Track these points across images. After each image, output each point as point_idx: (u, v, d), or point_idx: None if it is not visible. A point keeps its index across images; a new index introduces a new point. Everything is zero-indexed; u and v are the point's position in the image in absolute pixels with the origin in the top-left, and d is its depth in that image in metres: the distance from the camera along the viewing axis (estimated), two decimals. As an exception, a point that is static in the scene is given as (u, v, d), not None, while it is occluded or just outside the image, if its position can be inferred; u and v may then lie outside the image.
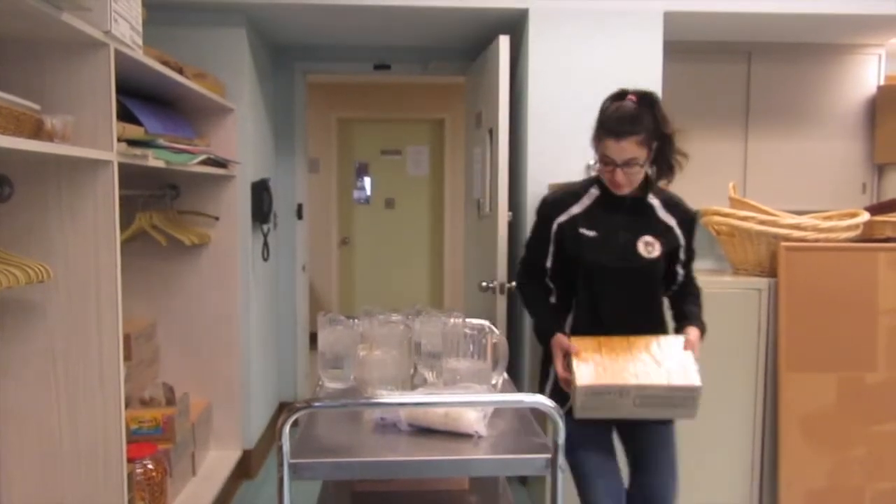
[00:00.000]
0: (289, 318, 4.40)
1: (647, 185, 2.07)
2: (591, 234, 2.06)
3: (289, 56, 4.21)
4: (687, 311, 2.14)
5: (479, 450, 1.39)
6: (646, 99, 1.96)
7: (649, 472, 2.10)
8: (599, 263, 2.05)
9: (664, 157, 2.01)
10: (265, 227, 3.77)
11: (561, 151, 3.29)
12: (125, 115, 2.35)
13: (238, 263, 3.31)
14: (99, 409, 2.03)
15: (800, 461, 2.90)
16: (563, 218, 2.10)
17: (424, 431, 1.46)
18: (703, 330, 2.09)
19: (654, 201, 2.08)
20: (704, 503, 3.03)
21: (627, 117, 1.93)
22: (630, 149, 1.92)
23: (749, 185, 3.82)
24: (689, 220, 2.12)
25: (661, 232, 2.07)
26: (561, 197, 2.15)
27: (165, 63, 2.52)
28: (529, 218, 3.35)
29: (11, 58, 1.93)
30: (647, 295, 2.11)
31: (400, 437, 1.46)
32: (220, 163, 3.09)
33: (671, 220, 2.08)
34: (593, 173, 2.20)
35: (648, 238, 2.05)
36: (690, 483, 2.75)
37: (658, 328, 2.11)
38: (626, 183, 1.99)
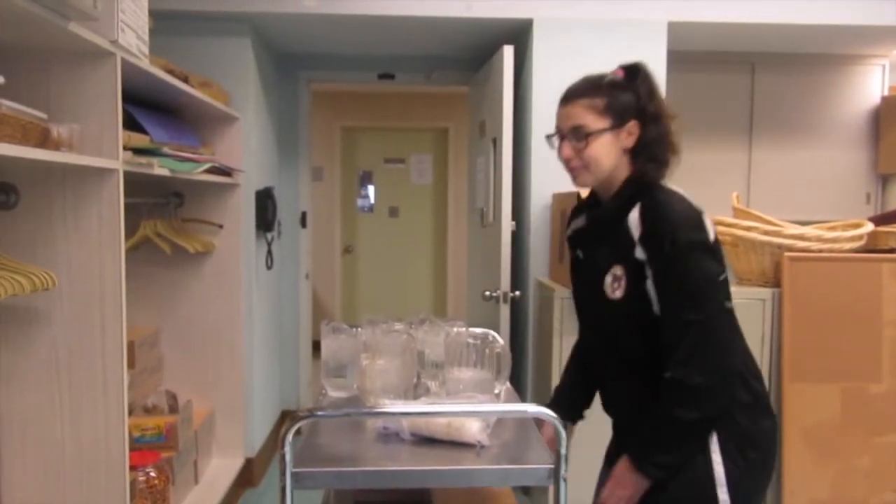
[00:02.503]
0: (292, 326, 4.40)
1: (633, 187, 1.51)
2: (581, 255, 1.66)
3: (293, 65, 4.23)
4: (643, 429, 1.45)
5: (482, 460, 1.38)
6: (631, 70, 1.53)
7: None
8: (575, 300, 1.70)
9: (645, 144, 1.49)
10: (269, 235, 3.78)
11: (564, 161, 3.29)
12: (131, 124, 2.36)
13: (242, 271, 3.31)
14: (102, 416, 2.03)
15: (803, 471, 2.89)
16: (569, 231, 1.72)
17: (427, 441, 1.46)
18: (649, 472, 1.41)
19: (634, 212, 1.47)
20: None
21: (585, 81, 1.55)
22: (576, 113, 1.51)
23: (753, 195, 3.82)
24: (649, 231, 1.43)
25: (629, 257, 1.47)
26: (577, 205, 1.73)
27: (171, 72, 2.53)
28: (533, 227, 3.36)
29: (18, 67, 1.94)
30: (624, 353, 1.54)
31: (402, 446, 1.45)
32: (225, 171, 3.10)
33: (636, 233, 1.45)
34: None
35: (618, 269, 1.49)
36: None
37: (649, 404, 1.46)
38: (577, 162, 1.53)
